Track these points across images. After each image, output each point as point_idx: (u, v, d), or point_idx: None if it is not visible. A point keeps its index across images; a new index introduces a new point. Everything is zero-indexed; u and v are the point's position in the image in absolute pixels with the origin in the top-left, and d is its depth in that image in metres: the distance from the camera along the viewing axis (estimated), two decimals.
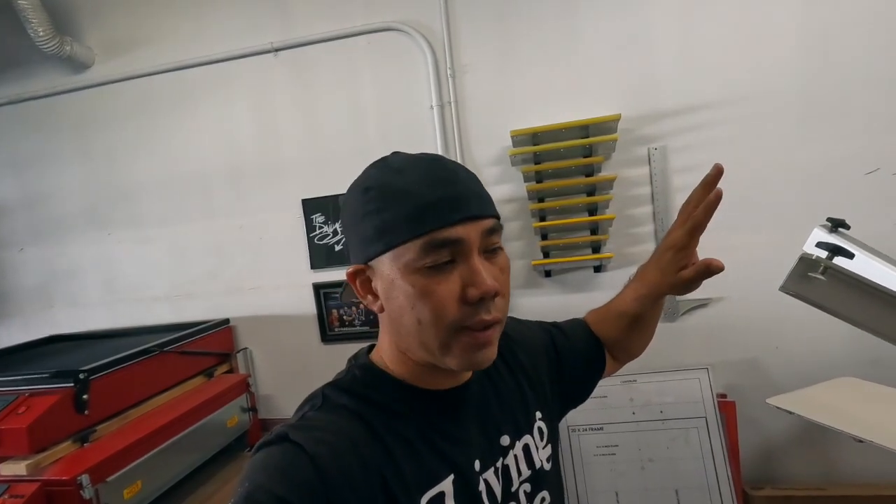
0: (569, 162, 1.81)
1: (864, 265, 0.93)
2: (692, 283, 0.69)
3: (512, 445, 0.63)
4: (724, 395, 1.81)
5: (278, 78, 2.16)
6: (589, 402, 1.94)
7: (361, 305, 2.15)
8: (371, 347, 0.63)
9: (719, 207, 2.04)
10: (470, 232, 0.51)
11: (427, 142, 2.01)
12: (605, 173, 1.87)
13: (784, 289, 0.79)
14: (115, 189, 2.35)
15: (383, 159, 0.58)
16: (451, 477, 0.55)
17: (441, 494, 0.54)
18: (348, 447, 0.51)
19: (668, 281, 0.70)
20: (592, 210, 1.87)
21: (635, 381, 1.84)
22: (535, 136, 1.83)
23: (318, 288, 2.18)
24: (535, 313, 1.97)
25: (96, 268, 2.41)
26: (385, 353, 0.60)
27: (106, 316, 2.41)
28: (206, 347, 2.08)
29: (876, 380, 1.53)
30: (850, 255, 0.77)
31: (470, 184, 0.55)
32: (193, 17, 2.21)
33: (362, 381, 0.58)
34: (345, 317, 2.17)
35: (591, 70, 1.88)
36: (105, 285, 2.41)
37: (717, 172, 0.68)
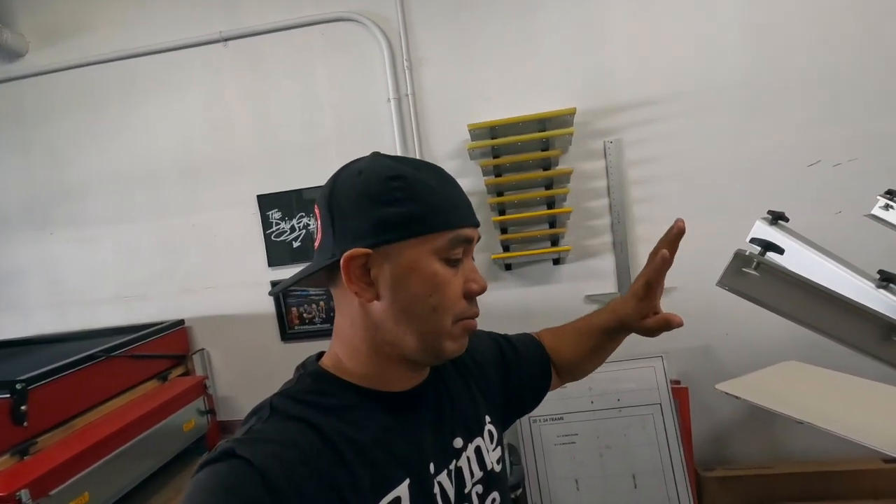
0: (527, 156, 1.82)
1: (796, 259, 0.96)
2: (652, 333, 0.75)
3: (464, 448, 0.63)
4: (677, 382, 1.87)
5: (229, 69, 2.08)
6: (548, 393, 1.96)
7: (321, 304, 2.11)
8: (320, 355, 0.62)
9: (672, 198, 2.08)
10: (475, 236, 0.59)
11: (385, 135, 1.98)
12: (562, 167, 1.88)
13: (721, 284, 0.81)
14: (56, 186, 2.23)
15: (378, 154, 0.60)
16: (407, 481, 0.54)
17: (397, 500, 0.53)
18: (299, 459, 0.49)
19: (632, 324, 0.75)
20: (550, 203, 1.88)
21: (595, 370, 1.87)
22: (493, 130, 1.83)
23: (276, 286, 2.12)
24: (497, 307, 2.00)
25: (38, 269, 2.29)
26: (346, 353, 0.58)
27: (51, 319, 2.30)
28: (159, 350, 2.01)
29: (816, 362, 1.61)
30: (781, 251, 0.79)
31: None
32: (136, 3, 2.10)
33: (313, 388, 0.56)
34: (305, 314, 2.13)
35: (546, 63, 1.88)
36: (49, 287, 2.29)
37: (679, 231, 0.72)
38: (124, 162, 2.18)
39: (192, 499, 0.46)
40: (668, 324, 0.73)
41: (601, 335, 0.81)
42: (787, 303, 0.78)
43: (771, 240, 0.81)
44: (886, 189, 1.41)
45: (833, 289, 0.79)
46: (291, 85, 2.06)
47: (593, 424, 1.83)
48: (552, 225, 1.88)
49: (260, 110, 2.09)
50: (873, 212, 1.42)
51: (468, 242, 0.57)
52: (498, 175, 1.87)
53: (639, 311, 0.75)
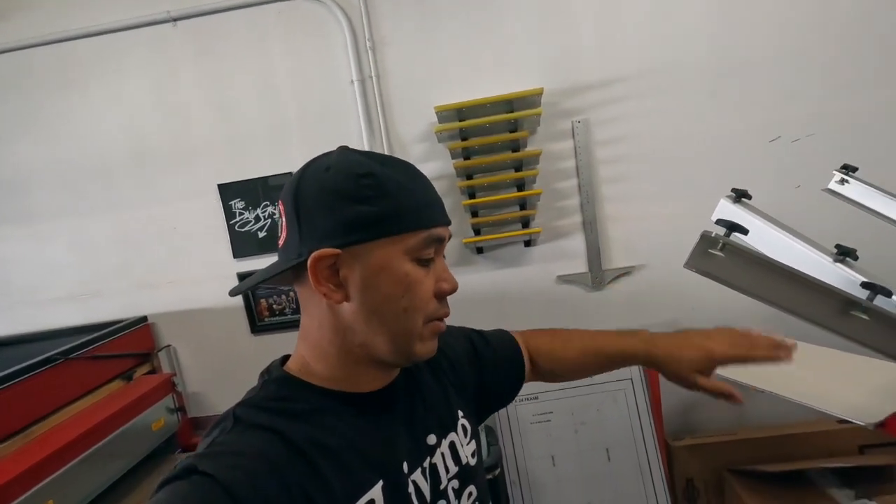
0: (495, 137, 1.79)
1: (759, 236, 0.98)
2: (697, 390, 0.76)
3: (438, 444, 0.62)
4: None
5: (180, 51, 1.97)
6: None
7: (291, 295, 2.06)
8: (284, 359, 0.60)
9: (640, 177, 2.10)
10: (446, 235, 0.58)
11: (350, 119, 1.92)
12: (530, 148, 1.87)
13: (688, 266, 0.82)
14: None
15: (347, 149, 0.57)
16: (381, 482, 0.53)
17: (371, 502, 0.52)
18: (267, 470, 0.47)
19: (675, 368, 0.75)
20: (520, 186, 1.87)
21: None
22: (461, 112, 1.79)
23: (243, 278, 2.07)
24: (470, 290, 2.00)
25: None
26: (313, 356, 0.57)
27: (0, 322, 2.17)
28: (122, 349, 1.93)
29: (777, 331, 1.67)
30: (745, 231, 0.80)
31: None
32: None
33: (278, 394, 0.54)
34: (275, 306, 2.08)
35: (512, 43, 1.85)
36: None
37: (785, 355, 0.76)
38: (71, 152, 2.06)
39: None
40: (729, 398, 0.76)
41: (611, 361, 0.81)
42: (752, 282, 0.80)
43: (735, 220, 0.82)
44: (842, 164, 1.46)
45: (794, 266, 0.80)
46: (248, 68, 1.96)
47: (568, 402, 1.86)
48: (522, 207, 1.88)
49: (215, 95, 1.99)
50: (830, 186, 1.47)
51: (440, 242, 0.56)
52: (466, 158, 1.84)
53: (700, 365, 0.75)
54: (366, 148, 1.91)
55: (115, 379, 1.90)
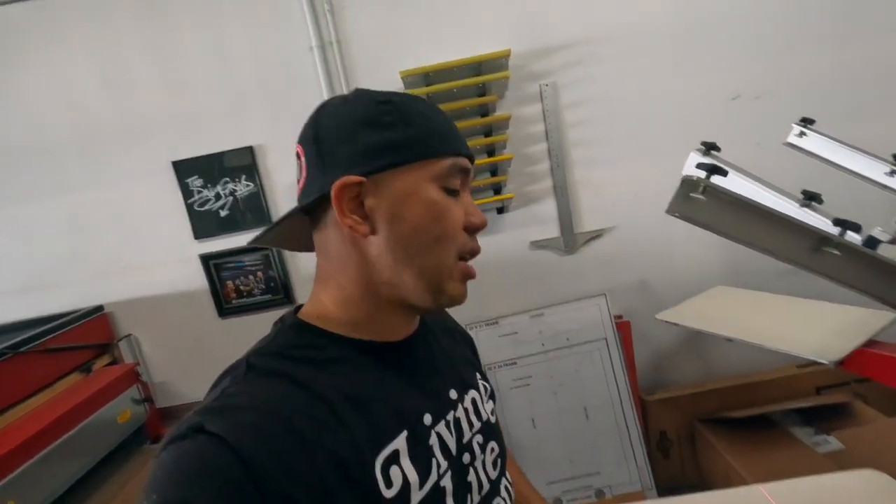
0: (463, 102, 1.76)
1: (736, 183, 1.00)
2: None
3: (460, 399, 0.61)
4: (620, 317, 1.96)
5: (123, 19, 1.82)
6: (502, 340, 1.98)
7: (259, 275, 1.98)
8: (297, 309, 0.56)
9: (607, 140, 2.10)
10: (471, 169, 0.55)
11: (310, 86, 1.83)
12: (499, 113, 1.84)
13: (670, 211, 0.82)
14: None
15: (361, 89, 0.56)
16: (405, 433, 0.50)
17: (395, 453, 0.49)
18: (282, 425, 0.43)
19: None
20: (490, 151, 1.85)
21: (543, 314, 1.92)
22: (427, 77, 1.74)
23: (206, 259, 1.97)
24: None
25: None
26: (333, 299, 0.53)
27: None
28: (77, 340, 1.82)
29: (741, 284, 1.74)
30: (724, 173, 0.81)
31: None
32: None
33: (297, 342, 0.51)
34: (242, 287, 2.00)
35: (478, 3, 1.80)
36: None
37: None
38: (8, 131, 1.88)
39: (158, 486, 0.39)
40: None
41: None
42: (732, 224, 0.81)
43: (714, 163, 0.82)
44: (801, 117, 1.51)
45: (771, 207, 0.82)
46: (199, 36, 1.84)
47: (546, 365, 1.89)
48: (493, 173, 1.86)
49: (165, 66, 1.86)
50: (789, 140, 1.51)
51: (466, 173, 0.54)
52: None
53: None
54: None
55: (73, 372, 1.79)
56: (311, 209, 0.53)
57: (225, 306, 2.01)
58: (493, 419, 0.65)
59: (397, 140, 0.50)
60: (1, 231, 1.96)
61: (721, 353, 2.04)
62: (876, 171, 1.36)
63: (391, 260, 0.51)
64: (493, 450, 0.62)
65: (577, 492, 1.85)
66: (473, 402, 0.63)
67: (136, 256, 1.98)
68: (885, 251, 0.89)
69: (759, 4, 1.79)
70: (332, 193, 0.49)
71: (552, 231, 1.96)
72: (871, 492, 0.82)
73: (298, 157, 0.54)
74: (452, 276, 0.53)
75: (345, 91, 1.83)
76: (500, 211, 1.94)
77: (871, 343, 1.17)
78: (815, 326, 1.39)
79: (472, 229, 0.54)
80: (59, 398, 1.65)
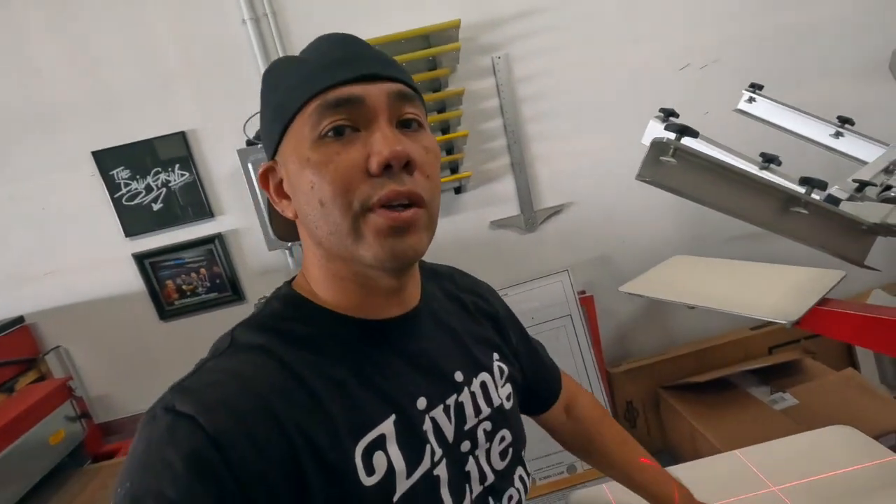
0: (414, 77, 1.66)
1: (702, 147, 0.97)
2: None
3: (468, 382, 0.55)
4: (583, 292, 1.95)
5: None
6: None
7: (202, 272, 1.83)
8: (293, 279, 0.54)
9: (561, 114, 2.06)
10: (371, 92, 0.43)
11: (245, 63, 1.69)
12: (452, 87, 1.76)
13: (640, 177, 0.78)
14: None
15: None
16: (393, 417, 0.47)
17: (381, 438, 0.45)
18: (258, 405, 0.40)
19: None
20: (445, 129, 1.77)
21: (507, 294, 1.88)
22: None
23: (140, 258, 1.80)
24: None
25: None
26: (313, 278, 0.50)
27: None
28: None
29: (698, 253, 1.77)
30: (695, 134, 0.78)
31: (375, 51, 0.47)
32: None
33: (283, 314, 0.49)
34: (184, 286, 1.85)
35: None
36: None
37: None
38: None
39: (131, 471, 0.38)
40: None
41: (642, 491, 0.74)
42: (703, 189, 0.78)
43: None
44: (750, 83, 1.52)
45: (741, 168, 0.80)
46: (114, 11, 1.64)
47: None
48: (449, 152, 1.79)
49: (75, 47, 1.66)
50: (739, 106, 1.52)
51: (350, 104, 0.42)
52: None
53: None
54: None
55: None
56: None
57: (166, 308, 1.85)
58: (508, 405, 0.59)
59: (272, 112, 0.47)
60: None
61: (679, 321, 2.08)
62: (822, 133, 1.40)
63: (313, 235, 0.47)
64: (503, 438, 0.57)
65: (550, 469, 1.85)
66: (483, 385, 0.57)
67: (58, 260, 1.78)
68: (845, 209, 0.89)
69: None
70: (259, 184, 0.50)
71: (512, 209, 1.92)
72: (841, 446, 0.83)
73: None
74: (361, 236, 0.43)
75: None
76: (458, 191, 1.87)
77: (823, 301, 1.20)
78: (770, 288, 1.42)
79: (373, 172, 0.42)
80: None
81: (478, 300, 0.65)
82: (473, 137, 1.82)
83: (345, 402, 0.44)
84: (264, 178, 0.49)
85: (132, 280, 1.81)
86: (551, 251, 1.96)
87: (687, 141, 0.79)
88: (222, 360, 0.44)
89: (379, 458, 0.44)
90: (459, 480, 0.51)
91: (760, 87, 1.49)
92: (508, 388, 0.61)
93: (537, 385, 0.72)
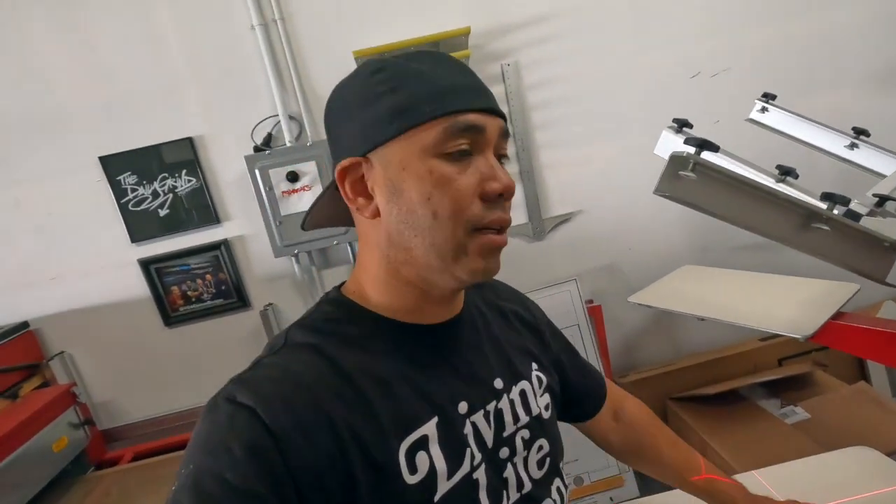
0: None
1: (722, 160, 0.96)
2: None
3: (507, 390, 0.56)
4: (590, 301, 1.93)
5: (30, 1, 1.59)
6: None
7: (208, 278, 1.82)
8: (343, 284, 0.56)
9: (570, 121, 2.04)
10: (490, 124, 0.47)
11: (254, 69, 1.68)
12: None
13: (658, 191, 0.76)
14: None
15: (369, 59, 0.51)
16: (435, 419, 0.48)
17: (424, 439, 0.47)
18: (311, 401, 0.43)
19: None
20: None
21: None
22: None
23: (146, 264, 1.79)
24: None
25: None
26: (368, 278, 0.52)
27: None
28: (0, 363, 1.61)
29: (707, 263, 1.75)
30: (716, 148, 0.76)
31: (482, 81, 0.50)
32: None
33: (332, 316, 0.51)
34: (189, 292, 1.83)
35: None
36: None
37: None
38: None
39: (193, 456, 0.41)
40: None
41: (703, 494, 0.74)
42: (723, 204, 0.77)
43: (679, 150, 0.77)
44: (763, 92, 1.50)
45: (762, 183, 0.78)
46: (122, 17, 1.64)
47: None
48: None
49: (83, 51, 1.66)
50: (752, 116, 1.51)
51: (474, 131, 0.46)
52: None
53: None
54: (277, 102, 1.69)
55: None
56: (337, 194, 0.52)
57: (171, 314, 1.84)
58: (546, 415, 0.60)
59: (386, 112, 0.46)
60: None
61: (688, 332, 2.06)
62: (837, 144, 1.38)
63: (399, 239, 0.48)
64: (540, 448, 0.58)
65: None
66: (522, 393, 0.58)
67: (64, 265, 1.77)
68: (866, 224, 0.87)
69: None
70: (336, 177, 0.49)
71: (520, 217, 1.90)
72: (863, 468, 0.81)
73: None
74: (466, 251, 0.47)
75: (292, 75, 1.69)
76: None
77: (837, 315, 1.18)
78: (783, 301, 1.40)
79: (490, 197, 0.46)
80: None
81: (518, 309, 0.66)
82: None
83: (391, 402, 0.46)
84: (344, 173, 0.49)
85: (137, 286, 1.80)
86: (559, 260, 1.94)
87: (710, 155, 0.77)
88: (277, 358, 0.47)
89: (421, 458, 0.46)
90: (497, 486, 0.52)
91: (773, 97, 1.47)
92: (547, 399, 0.61)
93: (583, 391, 0.73)
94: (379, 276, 0.51)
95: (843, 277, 1.17)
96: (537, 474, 0.57)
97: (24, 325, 1.77)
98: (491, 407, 0.54)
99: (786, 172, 1.01)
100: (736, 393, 1.81)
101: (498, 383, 0.56)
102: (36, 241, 1.75)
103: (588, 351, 1.85)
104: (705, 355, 2.00)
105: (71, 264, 1.77)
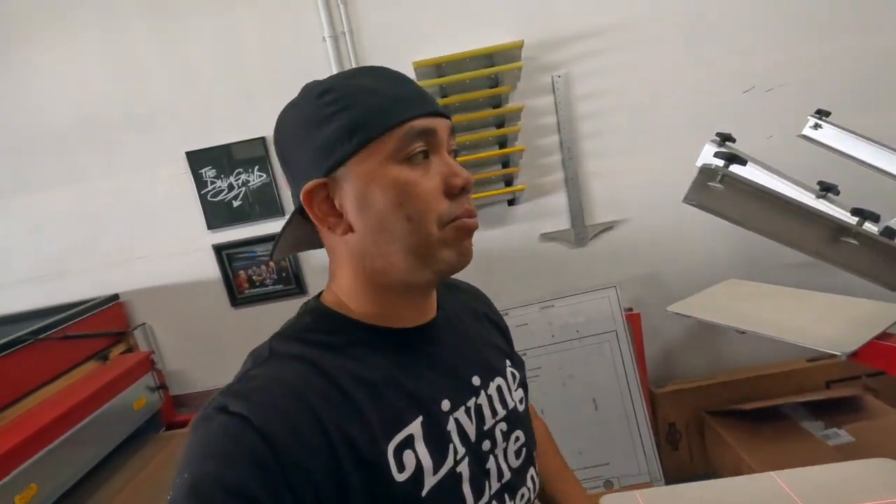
0: (476, 94, 1.76)
1: (753, 173, 1.00)
2: None
3: (484, 386, 0.60)
4: (630, 309, 1.96)
5: (132, 8, 1.83)
6: (512, 331, 1.99)
7: (271, 265, 2.00)
8: (321, 294, 0.58)
9: (619, 131, 2.08)
10: (439, 125, 0.51)
11: (323, 77, 1.83)
12: (511, 104, 1.84)
13: (687, 200, 0.82)
14: None
15: (310, 82, 0.55)
16: (420, 418, 0.51)
17: (410, 438, 0.50)
18: (301, 406, 0.45)
19: None
20: (502, 143, 1.85)
21: (553, 305, 1.93)
22: (440, 68, 1.74)
23: (219, 250, 1.99)
24: None
25: None
26: (344, 291, 0.55)
27: None
28: (94, 328, 1.85)
29: (753, 278, 1.74)
30: (743, 162, 0.81)
31: (422, 87, 0.54)
32: None
33: (314, 326, 0.53)
34: (254, 277, 2.02)
35: None
36: None
37: None
38: (17, 121, 1.90)
39: (190, 463, 0.42)
40: None
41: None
42: (749, 214, 0.81)
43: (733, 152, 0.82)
44: (816, 109, 1.49)
45: (790, 196, 0.82)
46: (211, 25, 1.84)
47: (556, 357, 1.90)
48: (505, 165, 1.86)
49: (175, 55, 1.87)
50: (804, 132, 1.50)
51: (427, 134, 0.50)
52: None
53: None
54: None
55: (90, 359, 1.82)
56: (303, 215, 0.54)
57: (238, 296, 2.04)
58: (521, 408, 0.65)
59: (341, 131, 0.49)
60: (15, 220, 1.99)
61: (730, 346, 2.04)
62: (892, 163, 1.35)
63: (374, 248, 0.51)
64: (517, 439, 0.62)
65: (586, 482, 1.86)
66: (499, 389, 0.62)
67: (150, 246, 2.01)
68: None
69: None
70: (302, 202, 0.51)
71: (563, 223, 1.96)
72: (882, 479, 0.82)
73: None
74: (446, 242, 0.51)
75: None
76: (511, 203, 1.94)
77: (884, 336, 1.17)
78: (827, 319, 1.38)
79: (453, 192, 0.51)
80: (78, 384, 1.68)
81: (487, 310, 0.71)
82: (530, 152, 1.88)
83: (377, 404, 0.49)
84: (310, 196, 0.50)
85: (210, 269, 2.00)
86: (600, 266, 1.98)
87: (738, 168, 0.82)
88: (264, 369, 0.48)
89: (408, 456, 0.49)
90: (480, 477, 0.55)
91: (827, 114, 1.46)
92: (521, 393, 0.66)
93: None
94: (356, 287, 0.54)
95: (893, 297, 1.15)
96: (515, 464, 0.60)
97: (115, 297, 2.01)
98: (471, 403, 0.57)
99: (827, 189, 1.03)
100: (777, 411, 1.78)
101: (476, 380, 0.59)
102: (128, 224, 1.99)
103: (624, 358, 1.88)
104: (747, 371, 1.97)
105: (156, 246, 2.00)
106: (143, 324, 2.06)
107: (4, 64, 1.86)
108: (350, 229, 0.51)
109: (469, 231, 0.52)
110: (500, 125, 1.83)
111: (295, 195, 0.53)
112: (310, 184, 0.50)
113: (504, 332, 0.73)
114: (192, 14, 1.83)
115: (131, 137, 1.93)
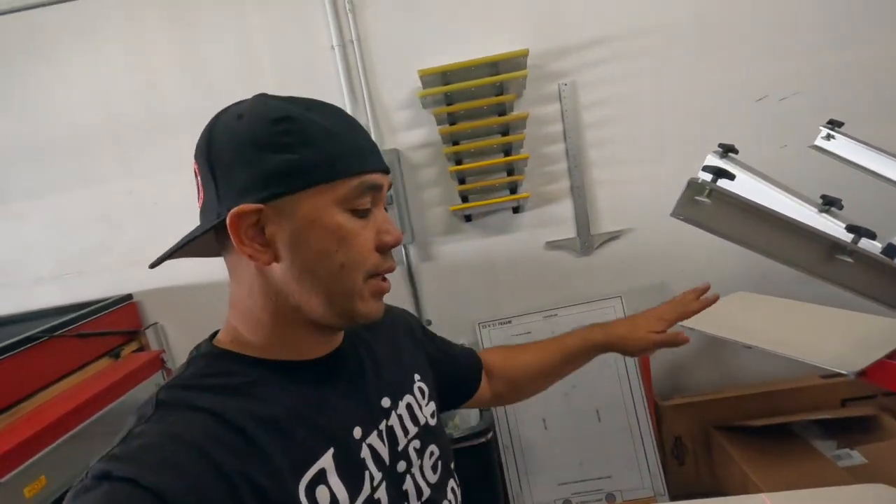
0: (481, 101, 1.76)
1: (746, 186, 0.98)
2: (655, 346, 0.84)
3: (394, 406, 0.60)
4: None
5: (153, 19, 1.89)
6: (515, 340, 1.97)
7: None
8: (214, 335, 0.56)
9: (626, 140, 2.08)
10: (385, 182, 0.53)
11: (330, 85, 1.87)
12: (517, 112, 1.84)
13: (675, 214, 0.81)
14: None
15: (263, 95, 0.52)
16: (332, 450, 0.50)
17: (321, 472, 0.48)
18: (197, 459, 0.41)
19: (635, 336, 0.83)
20: (507, 151, 1.85)
21: (556, 314, 1.92)
22: (445, 76, 1.75)
23: None
24: (459, 259, 1.99)
25: None
26: (245, 324, 0.52)
27: None
28: (108, 327, 1.91)
29: (765, 291, 1.69)
30: (732, 177, 0.80)
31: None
32: None
33: (207, 370, 0.50)
34: None
35: (497, 2, 1.80)
36: None
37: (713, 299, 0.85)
38: (43, 126, 1.99)
39: None
40: (676, 340, 0.83)
41: (572, 354, 0.84)
42: (739, 229, 0.80)
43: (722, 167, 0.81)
44: (829, 119, 1.45)
45: (780, 212, 0.80)
46: (223, 34, 1.89)
47: None
48: (510, 173, 1.86)
49: (192, 63, 1.93)
50: (816, 142, 1.46)
51: (376, 189, 0.51)
52: (452, 123, 1.81)
53: (652, 325, 0.82)
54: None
55: (103, 357, 1.88)
56: (216, 230, 0.50)
57: None
58: (432, 422, 0.64)
59: (296, 164, 0.47)
60: (37, 220, 2.07)
61: (740, 361, 1.99)
62: None
63: (297, 286, 0.49)
64: (432, 453, 0.62)
65: (588, 494, 1.84)
66: (409, 406, 0.62)
67: (163, 247, 2.05)
68: None
69: (784, 4, 1.73)
70: (228, 222, 0.46)
71: (568, 232, 1.95)
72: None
73: (195, 174, 0.52)
74: (363, 296, 0.51)
75: (363, 91, 1.86)
76: (516, 210, 1.94)
77: (895, 354, 1.12)
78: (837, 336, 1.34)
79: (385, 248, 0.52)
80: (90, 380, 1.74)
81: (394, 320, 0.70)
82: (535, 160, 1.88)
83: (283, 443, 0.46)
84: (238, 219, 0.47)
85: (221, 271, 2.04)
86: (605, 276, 1.96)
87: (726, 182, 0.81)
88: (151, 424, 0.44)
89: (322, 492, 0.47)
90: (399, 500, 0.54)
91: (840, 124, 1.42)
92: (432, 406, 0.66)
93: (461, 378, 0.80)
94: (262, 320, 0.51)
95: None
96: (433, 479, 0.60)
97: (129, 296, 2.08)
98: (383, 426, 0.56)
99: (829, 203, 1.00)
100: (788, 429, 1.73)
101: (385, 402, 0.59)
102: (143, 225, 2.05)
103: (629, 370, 1.85)
104: (758, 387, 1.92)
105: (169, 247, 2.05)
106: (155, 323, 2.12)
107: (33, 73, 1.94)
108: (274, 261, 0.48)
109: (382, 292, 0.54)
110: (504, 133, 1.83)
111: (213, 210, 0.49)
112: (244, 206, 0.46)
113: (412, 333, 0.73)
114: (208, 27, 1.89)
115: (148, 143, 1.99)
